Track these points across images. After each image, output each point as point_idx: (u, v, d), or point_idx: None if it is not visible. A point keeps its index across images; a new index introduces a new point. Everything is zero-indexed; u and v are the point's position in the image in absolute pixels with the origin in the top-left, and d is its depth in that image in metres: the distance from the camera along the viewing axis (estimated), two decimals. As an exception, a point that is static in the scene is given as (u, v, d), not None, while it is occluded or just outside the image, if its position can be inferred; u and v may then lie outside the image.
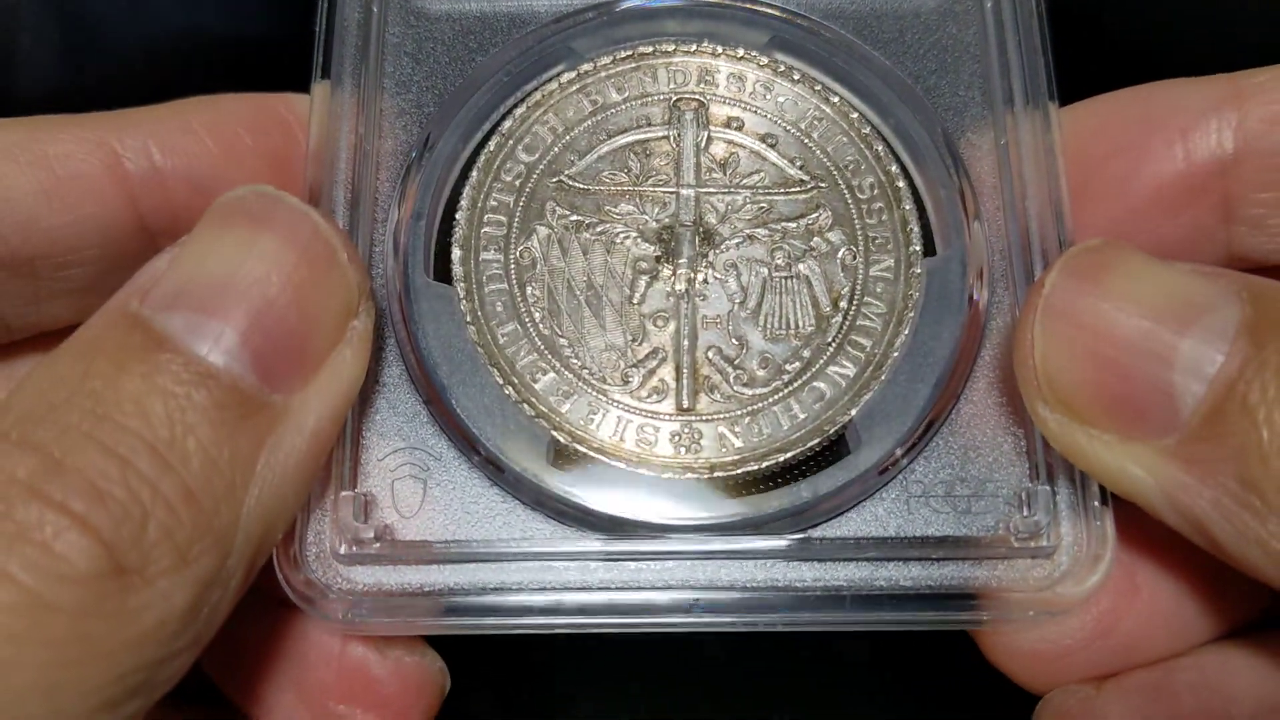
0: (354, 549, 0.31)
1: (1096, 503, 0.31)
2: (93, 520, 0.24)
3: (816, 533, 0.32)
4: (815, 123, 0.35)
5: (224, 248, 0.29)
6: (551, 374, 0.33)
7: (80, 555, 0.24)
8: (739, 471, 0.32)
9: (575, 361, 0.33)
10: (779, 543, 0.32)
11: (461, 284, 0.33)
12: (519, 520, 0.32)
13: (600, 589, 0.31)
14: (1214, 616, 0.33)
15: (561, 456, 0.32)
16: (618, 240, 0.34)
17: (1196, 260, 0.34)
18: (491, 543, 0.32)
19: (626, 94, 0.35)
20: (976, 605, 0.31)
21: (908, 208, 0.34)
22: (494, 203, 0.34)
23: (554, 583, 0.31)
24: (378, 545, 0.31)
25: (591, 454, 0.32)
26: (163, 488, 0.25)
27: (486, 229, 0.34)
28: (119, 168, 0.35)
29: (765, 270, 0.34)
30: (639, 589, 0.31)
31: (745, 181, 0.35)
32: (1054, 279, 0.29)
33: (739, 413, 0.33)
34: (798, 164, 0.35)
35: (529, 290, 0.34)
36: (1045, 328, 0.29)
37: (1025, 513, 0.32)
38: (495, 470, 0.32)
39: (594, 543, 0.32)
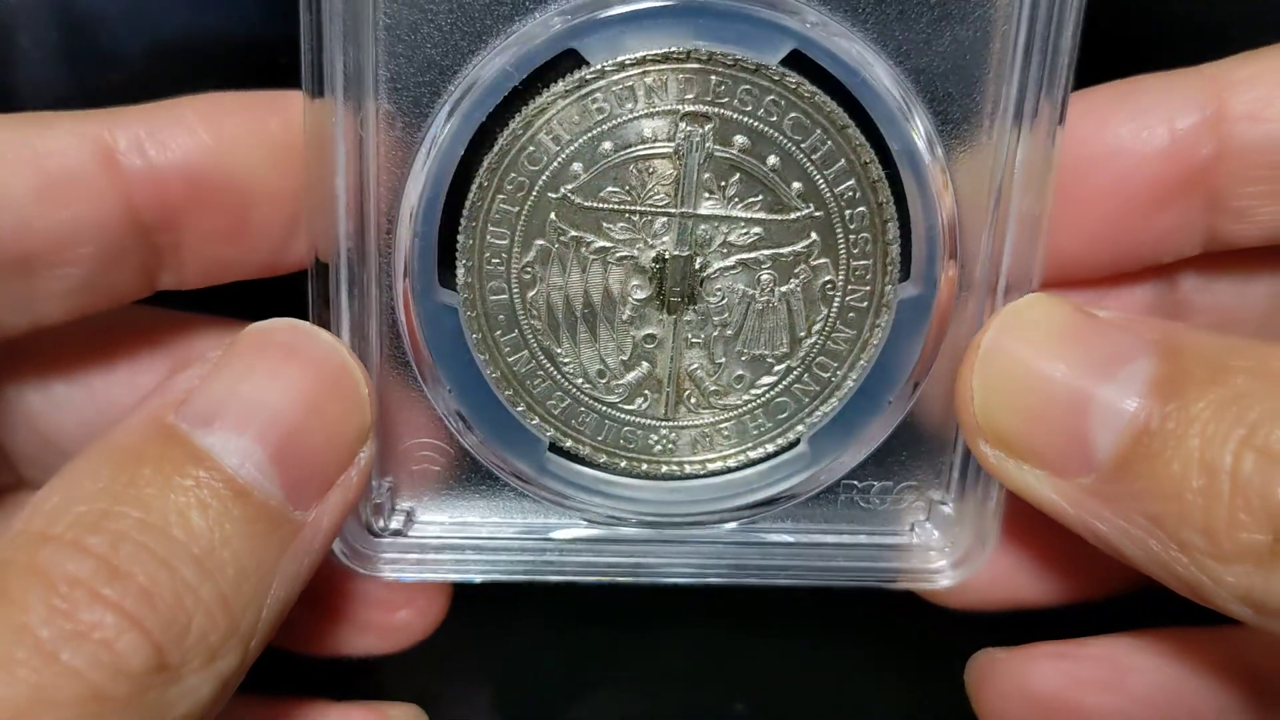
0: (386, 526, 0.38)
1: (992, 515, 0.39)
2: (146, 622, 0.28)
3: (763, 525, 0.39)
4: (820, 145, 0.35)
5: (256, 375, 0.32)
6: (548, 381, 0.37)
7: (136, 653, 0.28)
8: (705, 472, 0.38)
9: (570, 370, 0.37)
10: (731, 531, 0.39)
11: (465, 293, 0.36)
12: (515, 510, 0.38)
13: (582, 571, 0.39)
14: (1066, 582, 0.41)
15: (554, 454, 0.38)
16: (614, 261, 0.36)
17: (1179, 247, 0.38)
18: (491, 530, 0.38)
19: (632, 104, 0.34)
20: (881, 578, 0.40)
21: (890, 239, 0.36)
22: (497, 214, 0.35)
23: (542, 565, 0.39)
24: (403, 523, 0.38)
25: (580, 452, 0.38)
26: (203, 594, 0.29)
27: (490, 239, 0.35)
28: (113, 164, 0.34)
29: (751, 295, 0.36)
30: (612, 573, 0.39)
31: (742, 207, 0.35)
32: (990, 336, 0.35)
33: (711, 422, 0.38)
34: (795, 189, 0.35)
35: (530, 301, 0.36)
36: (982, 380, 0.35)
37: (932, 522, 0.39)
38: (498, 465, 0.38)
39: (581, 530, 0.39)
